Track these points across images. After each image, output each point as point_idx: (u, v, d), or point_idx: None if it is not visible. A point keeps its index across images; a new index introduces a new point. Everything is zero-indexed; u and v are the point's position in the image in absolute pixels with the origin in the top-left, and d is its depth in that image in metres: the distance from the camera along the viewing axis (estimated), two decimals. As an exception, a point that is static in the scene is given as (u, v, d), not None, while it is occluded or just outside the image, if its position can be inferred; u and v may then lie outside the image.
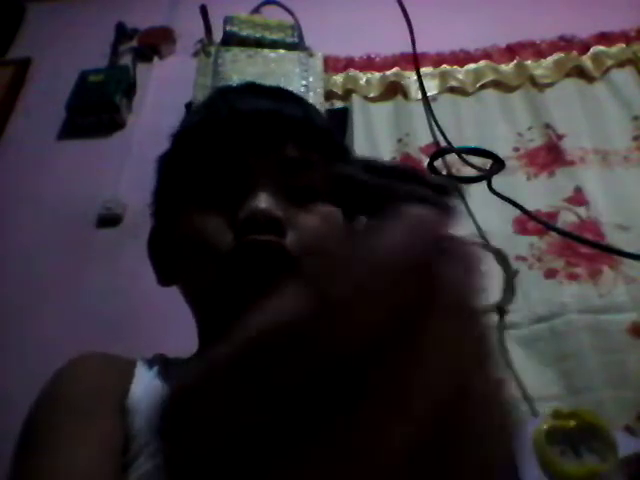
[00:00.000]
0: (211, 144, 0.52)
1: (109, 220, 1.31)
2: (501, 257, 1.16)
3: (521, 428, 0.86)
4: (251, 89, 0.59)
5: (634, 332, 1.03)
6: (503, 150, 1.29)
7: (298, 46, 1.50)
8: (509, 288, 1.13)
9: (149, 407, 0.46)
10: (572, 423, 0.83)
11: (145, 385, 0.49)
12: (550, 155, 1.29)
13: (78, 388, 0.48)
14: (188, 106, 1.33)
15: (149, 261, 0.58)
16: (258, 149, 0.51)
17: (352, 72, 1.47)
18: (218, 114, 0.53)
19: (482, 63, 1.46)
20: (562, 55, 1.45)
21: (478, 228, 1.21)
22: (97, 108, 1.48)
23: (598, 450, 0.81)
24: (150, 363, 0.53)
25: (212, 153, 0.51)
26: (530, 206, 1.17)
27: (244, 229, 0.47)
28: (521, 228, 1.19)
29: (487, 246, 1.19)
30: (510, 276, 1.12)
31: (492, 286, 1.14)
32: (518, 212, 1.13)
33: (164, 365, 0.53)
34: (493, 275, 1.15)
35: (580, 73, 1.43)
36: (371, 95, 1.43)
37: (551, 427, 0.83)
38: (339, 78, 1.47)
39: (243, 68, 1.40)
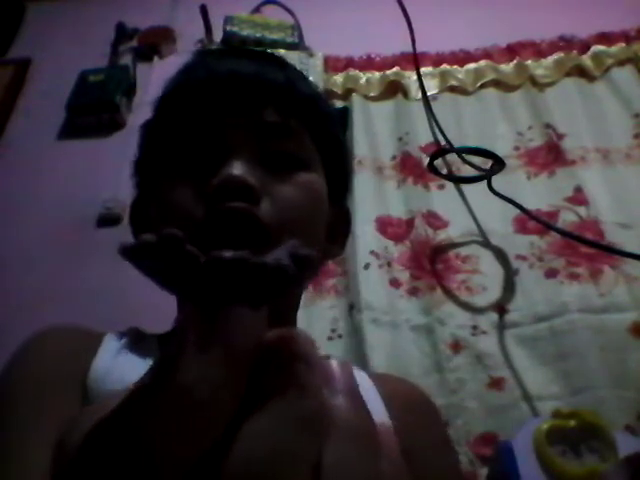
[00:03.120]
0: (188, 109, 0.50)
1: (109, 220, 1.30)
2: (501, 255, 1.16)
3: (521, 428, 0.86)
4: (232, 52, 0.57)
5: (635, 332, 1.03)
6: (503, 149, 1.29)
7: (298, 46, 1.50)
8: (509, 287, 1.13)
9: (111, 383, 0.44)
10: (572, 423, 0.83)
11: (107, 360, 0.46)
12: (550, 155, 1.29)
13: (30, 377, 0.45)
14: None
15: (131, 232, 0.55)
16: (235, 113, 0.48)
17: (352, 72, 1.47)
18: (195, 77, 0.51)
19: (482, 63, 1.46)
20: (562, 55, 1.44)
21: (478, 226, 1.21)
22: (97, 108, 1.48)
23: (598, 450, 0.81)
24: (119, 337, 0.50)
25: (188, 119, 0.49)
26: (530, 205, 1.17)
27: (216, 197, 0.45)
28: (521, 227, 1.19)
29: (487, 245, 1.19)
30: (510, 275, 1.12)
31: (492, 285, 1.14)
32: (518, 211, 1.14)
33: (135, 339, 0.50)
34: (493, 273, 1.16)
35: (580, 72, 1.43)
36: (371, 94, 1.43)
37: (551, 427, 0.82)
38: (339, 78, 1.47)
39: (243, 68, 1.40)
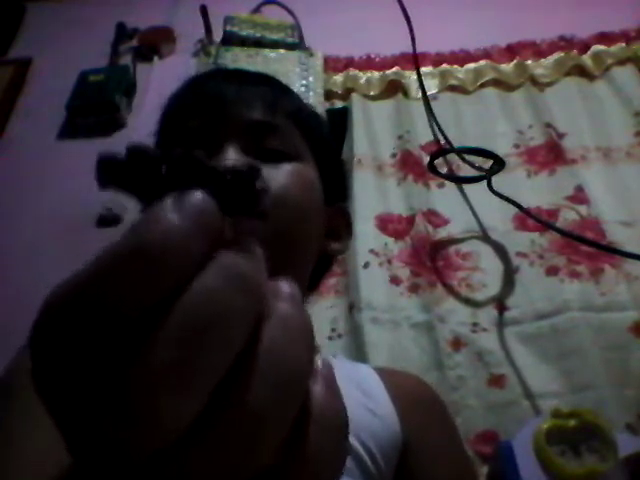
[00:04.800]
0: (183, 124, 0.56)
1: (109, 220, 1.30)
2: (501, 252, 1.16)
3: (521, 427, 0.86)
4: (219, 75, 0.64)
5: (635, 331, 1.03)
6: (503, 147, 1.29)
7: (298, 46, 1.50)
8: (509, 284, 1.13)
9: None
10: (572, 423, 0.83)
11: None
12: (551, 154, 1.29)
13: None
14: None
15: None
16: (225, 120, 0.54)
17: (352, 71, 1.47)
18: (185, 103, 0.59)
19: (482, 62, 1.46)
20: (562, 54, 1.44)
21: (479, 224, 1.21)
22: (97, 108, 1.48)
23: (598, 450, 0.81)
24: None
25: (184, 131, 0.55)
26: (531, 203, 1.17)
27: None
28: (522, 225, 1.19)
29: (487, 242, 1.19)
30: (510, 272, 1.12)
31: (492, 282, 1.14)
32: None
33: None
34: (493, 271, 1.16)
35: (580, 72, 1.43)
36: (371, 94, 1.43)
37: (551, 427, 0.82)
38: (339, 78, 1.47)
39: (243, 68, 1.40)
